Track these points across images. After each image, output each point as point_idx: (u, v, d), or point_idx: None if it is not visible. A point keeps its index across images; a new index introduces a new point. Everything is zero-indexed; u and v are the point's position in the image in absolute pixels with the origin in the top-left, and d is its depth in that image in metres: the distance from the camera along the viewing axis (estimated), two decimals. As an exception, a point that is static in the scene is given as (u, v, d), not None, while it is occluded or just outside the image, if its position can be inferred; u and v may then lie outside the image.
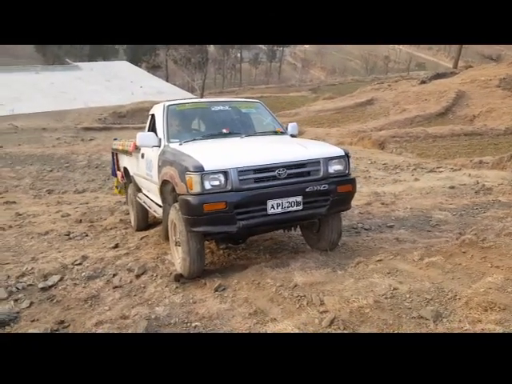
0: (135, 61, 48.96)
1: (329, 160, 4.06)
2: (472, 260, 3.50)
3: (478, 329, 2.47)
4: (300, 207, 3.90)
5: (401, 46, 73.11)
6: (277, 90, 46.04)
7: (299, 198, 3.88)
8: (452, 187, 8.44)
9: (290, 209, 3.86)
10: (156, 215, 5.22)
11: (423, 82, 31.63)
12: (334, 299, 3.12)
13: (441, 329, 2.56)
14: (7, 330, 3.44)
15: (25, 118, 23.23)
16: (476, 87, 24.08)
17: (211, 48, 65.75)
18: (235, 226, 3.73)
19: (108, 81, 33.32)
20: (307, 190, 3.91)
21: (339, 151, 4.21)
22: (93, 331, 3.13)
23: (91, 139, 18.81)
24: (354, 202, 6.98)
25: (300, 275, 3.68)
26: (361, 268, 3.70)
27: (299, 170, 3.97)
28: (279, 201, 3.81)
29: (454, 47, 47.22)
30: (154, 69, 49.81)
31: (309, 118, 27.65)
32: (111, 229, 6.54)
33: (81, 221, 7.23)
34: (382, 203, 6.92)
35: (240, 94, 43.60)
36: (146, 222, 6.39)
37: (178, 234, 4.12)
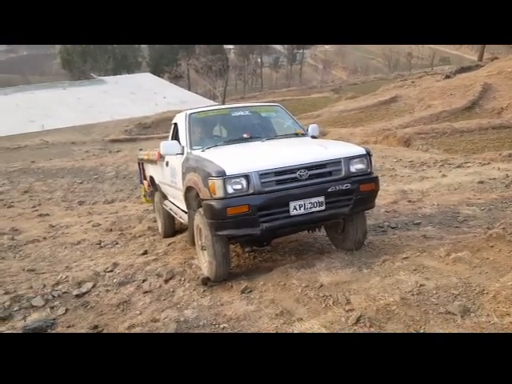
0: (158, 72, 49.79)
1: (350, 159, 4.05)
2: (500, 254, 3.44)
3: (506, 322, 2.44)
4: (322, 207, 3.91)
5: (423, 42, 71.65)
6: (298, 93, 45.92)
7: (321, 199, 3.89)
8: (481, 182, 8.27)
9: (313, 209, 3.88)
10: (182, 221, 5.32)
11: (448, 77, 31.03)
12: (360, 298, 3.14)
13: (468, 323, 2.54)
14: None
15: (55, 133, 23.98)
16: (503, 79, 23.45)
17: (231, 55, 66.30)
18: (259, 228, 3.77)
19: (132, 93, 34.00)
20: (329, 190, 3.91)
21: (360, 150, 4.20)
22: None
23: (118, 151, 19.24)
24: (380, 201, 6.96)
25: (325, 275, 3.70)
26: (387, 266, 3.69)
27: (320, 171, 3.97)
28: (301, 202, 3.83)
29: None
30: (176, 79, 50.47)
31: (332, 119, 27.49)
32: (140, 236, 6.71)
33: (111, 230, 7.45)
34: (409, 201, 6.84)
35: (261, 98, 43.74)
36: (172, 228, 6.51)
37: (204, 239, 4.20)
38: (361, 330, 2.71)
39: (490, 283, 2.98)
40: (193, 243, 4.75)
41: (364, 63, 75.66)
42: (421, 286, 3.12)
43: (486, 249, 3.62)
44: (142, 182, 8.04)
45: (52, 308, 4.08)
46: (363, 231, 4.46)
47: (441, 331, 2.51)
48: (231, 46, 70.25)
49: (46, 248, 6.66)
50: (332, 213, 4.00)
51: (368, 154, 4.19)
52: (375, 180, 4.22)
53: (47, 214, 9.71)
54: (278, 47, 75.65)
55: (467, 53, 73.34)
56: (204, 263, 4.35)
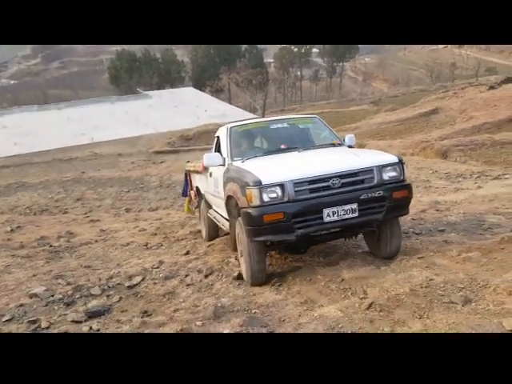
0: (200, 86, 51.39)
1: (382, 167, 4.21)
2: (508, 254, 3.74)
3: (499, 308, 2.78)
4: (356, 214, 4.07)
5: (468, 52, 70.05)
6: (337, 105, 46.04)
7: (354, 206, 4.05)
8: None
9: (346, 216, 4.04)
10: (224, 228, 5.64)
11: (492, 88, 30.31)
12: (375, 290, 3.54)
13: (466, 310, 2.90)
14: (102, 318, 4.19)
15: (103, 145, 25.38)
16: (553, 88, 22.76)
17: (271, 68, 67.36)
18: (294, 234, 3.96)
19: (175, 107, 35.28)
20: (362, 197, 4.07)
21: (393, 158, 4.34)
22: (171, 316, 3.79)
23: (162, 162, 20.19)
24: (410, 210, 7.21)
25: (347, 272, 4.12)
26: (402, 264, 4.06)
27: (353, 179, 4.13)
28: (335, 209, 4.00)
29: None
30: (217, 92, 51.96)
31: (370, 131, 27.48)
32: (182, 239, 7.31)
33: (156, 234, 8.10)
34: (437, 210, 7.07)
35: (300, 111, 44.16)
36: (216, 235, 6.80)
37: (242, 245, 4.48)
38: (371, 314, 3.12)
39: (494, 279, 3.31)
40: (235, 249, 5.09)
41: (406, 74, 74.57)
42: (430, 280, 3.48)
43: (497, 250, 3.92)
44: (184, 194, 8.48)
45: (108, 296, 4.70)
46: (398, 238, 4.55)
47: (442, 317, 2.88)
48: (271, 60, 71.44)
49: (98, 249, 7.39)
50: (365, 219, 4.15)
51: (400, 162, 4.31)
52: (408, 187, 4.33)
53: (98, 220, 10.53)
54: (318, 60, 76.18)
55: (516, 62, 70.86)
56: (244, 269, 4.57)
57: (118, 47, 61.68)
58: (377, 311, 3.15)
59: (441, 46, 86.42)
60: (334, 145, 5.29)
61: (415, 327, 2.80)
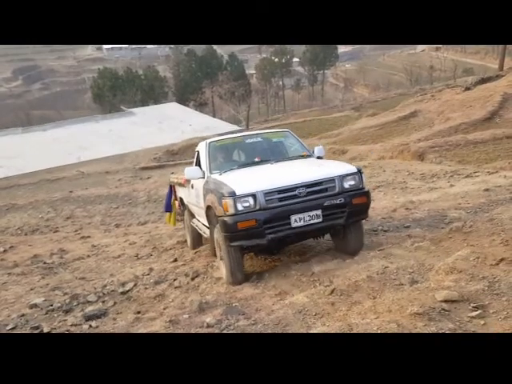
0: (183, 100, 51.87)
1: (343, 177, 4.76)
2: (454, 242, 4.27)
3: (436, 285, 3.28)
4: (320, 219, 4.62)
5: (445, 54, 71.77)
6: (320, 113, 46.88)
7: (319, 212, 4.60)
8: (486, 190, 8.76)
9: (311, 221, 4.59)
10: (205, 236, 6.13)
11: (467, 89, 31.11)
12: (339, 279, 4.05)
13: (411, 289, 3.40)
14: (99, 321, 4.62)
15: (90, 164, 25.68)
16: (525, 87, 23.62)
17: (253, 79, 68.32)
18: (265, 238, 4.52)
19: (160, 122, 35.63)
20: (325, 204, 4.61)
21: (352, 169, 4.92)
22: (162, 312, 4.26)
23: (148, 177, 20.55)
24: (384, 210, 7.72)
25: (317, 266, 4.65)
26: (364, 256, 4.58)
27: (317, 188, 4.68)
28: (301, 215, 4.55)
29: (498, 49, 45.79)
30: (201, 106, 52.41)
31: (352, 137, 28.13)
32: (170, 249, 7.78)
33: (145, 246, 8.54)
34: (406, 208, 7.61)
35: (284, 120, 44.91)
36: (200, 243, 7.25)
37: (221, 250, 5.00)
38: (333, 298, 3.62)
39: (438, 262, 3.82)
40: (214, 254, 5.63)
41: (386, 79, 76.00)
42: (385, 267, 3.98)
43: (446, 239, 4.46)
44: (166, 210, 8.77)
45: (103, 302, 5.16)
46: (360, 237, 5.15)
47: (390, 296, 3.37)
48: (253, 71, 72.46)
49: (91, 262, 7.81)
50: (328, 224, 4.73)
51: (359, 172, 4.88)
52: (366, 194, 4.90)
53: (88, 236, 10.91)
54: (299, 69, 77.41)
55: (491, 62, 72.59)
56: (223, 270, 5.07)
57: (100, 66, 62.10)
58: (338, 295, 3.65)
59: (419, 50, 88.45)
60: (303, 156, 5.80)
61: (367, 305, 3.30)
